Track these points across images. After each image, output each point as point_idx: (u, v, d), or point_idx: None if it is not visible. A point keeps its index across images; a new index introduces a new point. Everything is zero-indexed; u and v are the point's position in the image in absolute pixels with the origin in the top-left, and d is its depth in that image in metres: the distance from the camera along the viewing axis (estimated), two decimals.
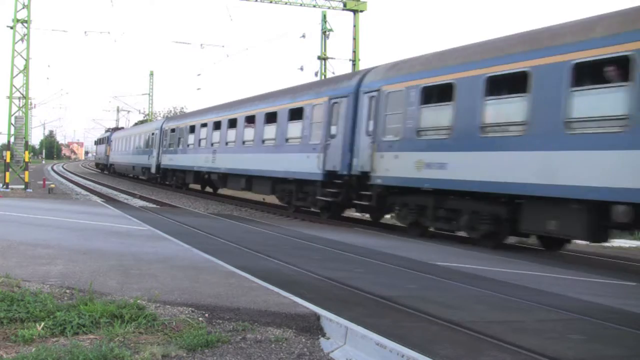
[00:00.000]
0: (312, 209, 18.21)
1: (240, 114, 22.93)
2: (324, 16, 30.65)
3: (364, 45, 79.65)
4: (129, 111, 79.18)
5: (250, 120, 21.84)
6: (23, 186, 24.96)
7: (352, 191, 15.73)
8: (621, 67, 9.29)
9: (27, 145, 26.58)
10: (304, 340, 4.54)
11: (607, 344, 4.90)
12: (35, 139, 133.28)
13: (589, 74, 9.90)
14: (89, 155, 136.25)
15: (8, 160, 25.42)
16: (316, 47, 32.09)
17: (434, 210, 12.92)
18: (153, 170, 34.98)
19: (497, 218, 11.55)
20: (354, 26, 29.71)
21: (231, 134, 23.51)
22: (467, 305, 6.07)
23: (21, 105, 26.82)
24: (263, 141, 20.46)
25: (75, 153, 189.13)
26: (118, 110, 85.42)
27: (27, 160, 25.84)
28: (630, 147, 8.96)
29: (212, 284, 6.08)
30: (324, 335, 4.68)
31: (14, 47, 24.97)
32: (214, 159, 25.04)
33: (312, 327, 4.77)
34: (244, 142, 22.22)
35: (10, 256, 7.11)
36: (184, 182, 30.50)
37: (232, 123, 23.49)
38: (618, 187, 9.07)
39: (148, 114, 68.33)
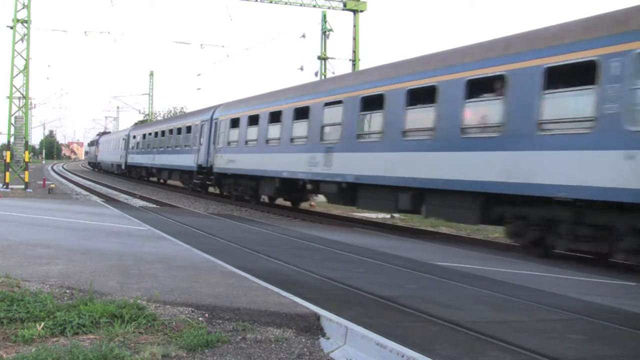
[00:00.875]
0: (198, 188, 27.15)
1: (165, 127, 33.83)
2: (324, 16, 30.66)
3: (364, 45, 79.76)
4: (115, 118, 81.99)
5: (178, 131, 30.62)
6: (23, 186, 24.98)
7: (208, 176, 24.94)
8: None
9: (27, 145, 26.60)
10: (304, 340, 4.54)
11: (607, 344, 4.90)
12: (35, 139, 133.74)
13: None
14: (89, 155, 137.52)
15: (8, 160, 25.43)
16: (316, 47, 32.13)
17: (245, 184, 21.86)
18: (123, 166, 43.95)
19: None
20: (354, 26, 29.71)
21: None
22: (467, 305, 6.07)
23: (21, 105, 26.84)
24: (175, 147, 30.61)
25: (75, 153, 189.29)
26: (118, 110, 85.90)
27: (27, 160, 25.87)
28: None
29: (212, 284, 6.08)
30: (324, 335, 4.68)
31: (14, 47, 25.02)
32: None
33: (312, 327, 4.77)
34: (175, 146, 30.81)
35: (10, 256, 7.11)
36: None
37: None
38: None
39: (148, 114, 68.32)
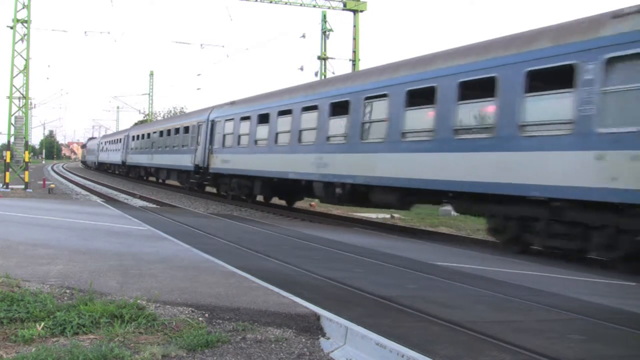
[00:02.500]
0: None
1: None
2: (324, 16, 30.67)
3: (364, 45, 79.74)
4: (105, 128, 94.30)
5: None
6: (23, 186, 24.98)
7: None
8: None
9: (27, 145, 26.60)
10: (304, 340, 4.54)
11: (607, 344, 4.90)
12: (35, 139, 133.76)
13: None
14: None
15: (8, 160, 25.43)
16: (316, 47, 32.17)
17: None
18: (96, 162, 61.12)
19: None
20: (354, 26, 29.73)
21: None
22: (467, 305, 6.07)
23: (21, 105, 26.83)
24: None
25: (75, 153, 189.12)
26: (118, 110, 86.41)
27: (27, 160, 25.87)
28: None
29: (212, 284, 6.08)
30: (324, 335, 4.67)
31: (14, 47, 25.01)
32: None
33: (312, 327, 4.77)
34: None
35: (10, 256, 7.11)
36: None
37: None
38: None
39: (148, 114, 68.32)
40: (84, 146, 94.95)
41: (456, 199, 12.65)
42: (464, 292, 6.88)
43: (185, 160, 27.86)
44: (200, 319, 4.81)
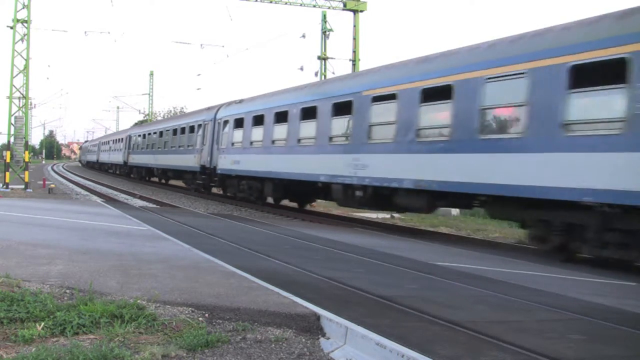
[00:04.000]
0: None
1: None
2: (324, 16, 30.64)
3: (364, 45, 79.68)
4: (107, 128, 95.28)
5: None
6: (23, 186, 24.98)
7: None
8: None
9: (27, 145, 26.60)
10: (304, 340, 4.54)
11: (607, 344, 4.90)
12: (35, 139, 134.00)
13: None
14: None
15: (8, 160, 25.43)
16: (316, 47, 32.12)
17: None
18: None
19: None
20: (354, 26, 29.70)
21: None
22: (467, 305, 6.07)
23: (21, 105, 26.83)
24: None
25: (75, 153, 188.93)
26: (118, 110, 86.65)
27: (27, 160, 25.87)
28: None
29: (212, 284, 6.08)
30: (324, 335, 4.67)
31: (14, 47, 25.01)
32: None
33: (312, 327, 4.77)
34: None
35: (10, 256, 7.11)
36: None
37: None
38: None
39: (148, 114, 68.31)
40: (80, 148, 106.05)
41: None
42: (464, 292, 6.88)
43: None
44: (200, 319, 4.81)
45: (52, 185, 26.48)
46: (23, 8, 24.92)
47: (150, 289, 5.54)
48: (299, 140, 17.64)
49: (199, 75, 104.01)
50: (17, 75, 25.29)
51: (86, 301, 4.86)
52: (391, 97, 13.84)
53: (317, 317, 4.91)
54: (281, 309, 5.12)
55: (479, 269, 8.72)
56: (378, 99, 14.32)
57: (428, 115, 12.83)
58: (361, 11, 29.70)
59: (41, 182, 29.56)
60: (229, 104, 24.68)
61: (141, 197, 24.74)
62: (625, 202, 8.73)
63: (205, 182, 25.65)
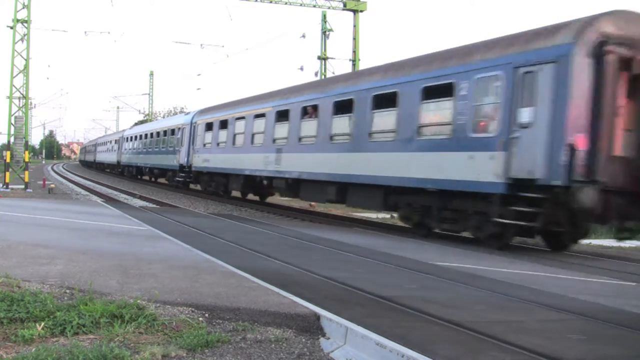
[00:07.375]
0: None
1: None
2: (324, 16, 30.67)
3: (364, 45, 79.67)
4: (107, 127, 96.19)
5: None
6: (23, 186, 24.98)
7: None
8: None
9: (27, 145, 26.62)
10: (304, 340, 4.54)
11: (607, 344, 4.90)
12: (35, 139, 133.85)
13: None
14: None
15: (8, 160, 25.43)
16: (316, 47, 32.17)
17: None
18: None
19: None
20: (354, 26, 29.73)
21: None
22: (467, 305, 6.07)
23: (21, 105, 26.82)
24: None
25: (75, 153, 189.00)
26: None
27: (27, 160, 25.87)
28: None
29: (212, 284, 6.08)
30: (324, 335, 4.68)
31: (14, 47, 25.01)
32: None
33: (312, 327, 4.77)
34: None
35: (10, 256, 7.11)
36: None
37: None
38: None
39: (148, 114, 68.31)
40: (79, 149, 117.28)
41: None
42: (464, 292, 6.88)
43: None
44: (200, 319, 4.81)
45: (52, 185, 26.47)
46: (23, 8, 24.93)
47: (150, 289, 5.54)
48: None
49: (199, 75, 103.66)
50: (17, 75, 25.31)
51: (86, 301, 4.86)
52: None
53: (317, 317, 4.91)
54: (281, 309, 5.12)
55: (479, 269, 8.72)
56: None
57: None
58: (361, 11, 29.71)
59: (41, 182, 29.55)
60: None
61: (141, 197, 24.74)
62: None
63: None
